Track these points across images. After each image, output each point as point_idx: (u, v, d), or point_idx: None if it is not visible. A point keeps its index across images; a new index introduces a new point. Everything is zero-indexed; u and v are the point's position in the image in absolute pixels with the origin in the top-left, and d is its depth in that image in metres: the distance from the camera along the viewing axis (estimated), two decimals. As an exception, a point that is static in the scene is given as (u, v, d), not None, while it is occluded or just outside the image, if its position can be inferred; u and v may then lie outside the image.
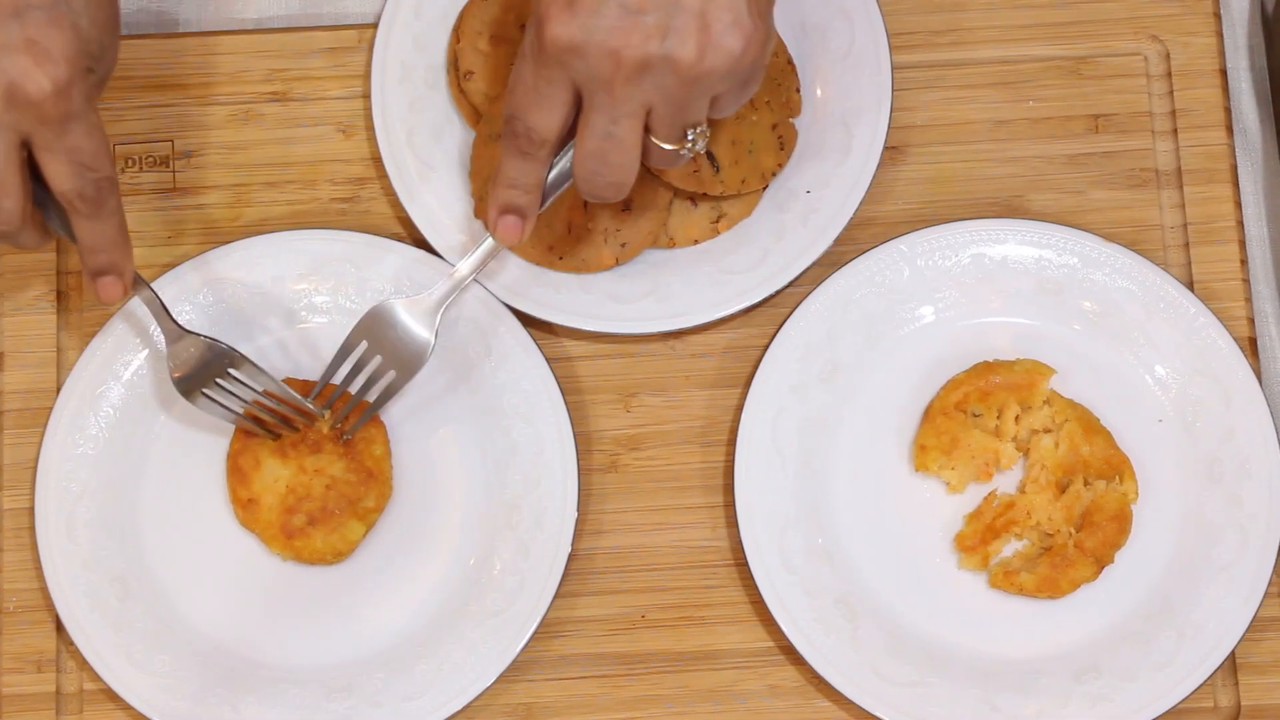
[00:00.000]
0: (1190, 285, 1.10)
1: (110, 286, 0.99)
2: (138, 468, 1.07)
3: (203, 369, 1.03)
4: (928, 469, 1.06)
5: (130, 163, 1.11)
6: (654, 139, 0.93)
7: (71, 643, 1.05)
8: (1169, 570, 1.06)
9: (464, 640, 1.04)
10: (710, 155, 1.06)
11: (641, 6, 0.88)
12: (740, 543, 1.05)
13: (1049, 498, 1.06)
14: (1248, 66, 1.15)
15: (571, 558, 1.05)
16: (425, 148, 1.09)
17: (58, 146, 0.92)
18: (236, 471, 1.05)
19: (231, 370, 1.03)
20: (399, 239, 1.09)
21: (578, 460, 1.05)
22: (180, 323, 1.04)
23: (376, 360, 1.04)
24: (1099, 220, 1.11)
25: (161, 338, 1.05)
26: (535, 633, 1.04)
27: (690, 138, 0.94)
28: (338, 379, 1.05)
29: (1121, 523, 1.05)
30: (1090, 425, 1.06)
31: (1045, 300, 1.09)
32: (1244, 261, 1.11)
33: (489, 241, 1.03)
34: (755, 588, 1.05)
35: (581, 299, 1.08)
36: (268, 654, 1.05)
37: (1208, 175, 1.11)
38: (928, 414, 1.07)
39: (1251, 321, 1.10)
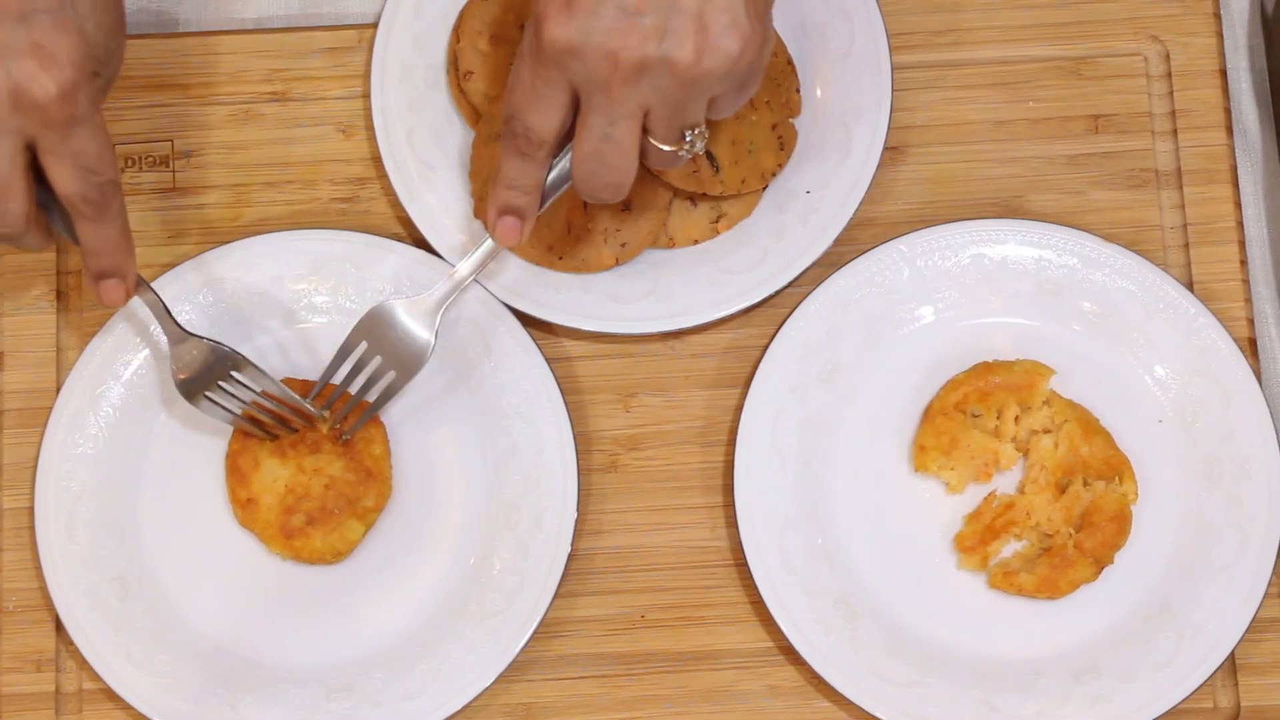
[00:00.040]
0: (1190, 286, 1.10)
1: (113, 290, 0.99)
2: (137, 467, 1.07)
3: (205, 372, 1.03)
4: (927, 469, 1.06)
5: (130, 162, 1.11)
6: (652, 140, 0.93)
7: (71, 642, 1.05)
8: (1168, 571, 1.06)
9: (463, 640, 1.04)
10: (710, 155, 1.06)
11: (639, 8, 0.88)
12: (740, 543, 1.05)
13: (1048, 498, 1.06)
14: (1248, 67, 1.15)
15: (571, 558, 1.05)
16: (425, 148, 1.09)
17: (62, 150, 0.93)
18: (236, 471, 1.05)
19: (234, 373, 1.03)
20: (399, 239, 1.09)
21: (577, 460, 1.05)
22: (181, 324, 1.04)
23: (376, 361, 1.04)
24: (1099, 221, 1.11)
25: (162, 337, 1.05)
26: (535, 633, 1.04)
27: (689, 139, 0.94)
28: (337, 379, 1.05)
29: (1121, 523, 1.05)
30: (1090, 426, 1.06)
31: (1045, 301, 1.09)
32: (1244, 262, 1.11)
33: (489, 242, 1.03)
34: (755, 588, 1.05)
35: (581, 299, 1.08)
36: (267, 654, 1.05)
37: (1207, 176, 1.11)
38: (927, 414, 1.07)
39: (1251, 322, 1.10)
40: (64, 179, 0.94)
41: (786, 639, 1.04)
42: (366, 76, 1.11)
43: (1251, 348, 1.10)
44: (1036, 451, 1.06)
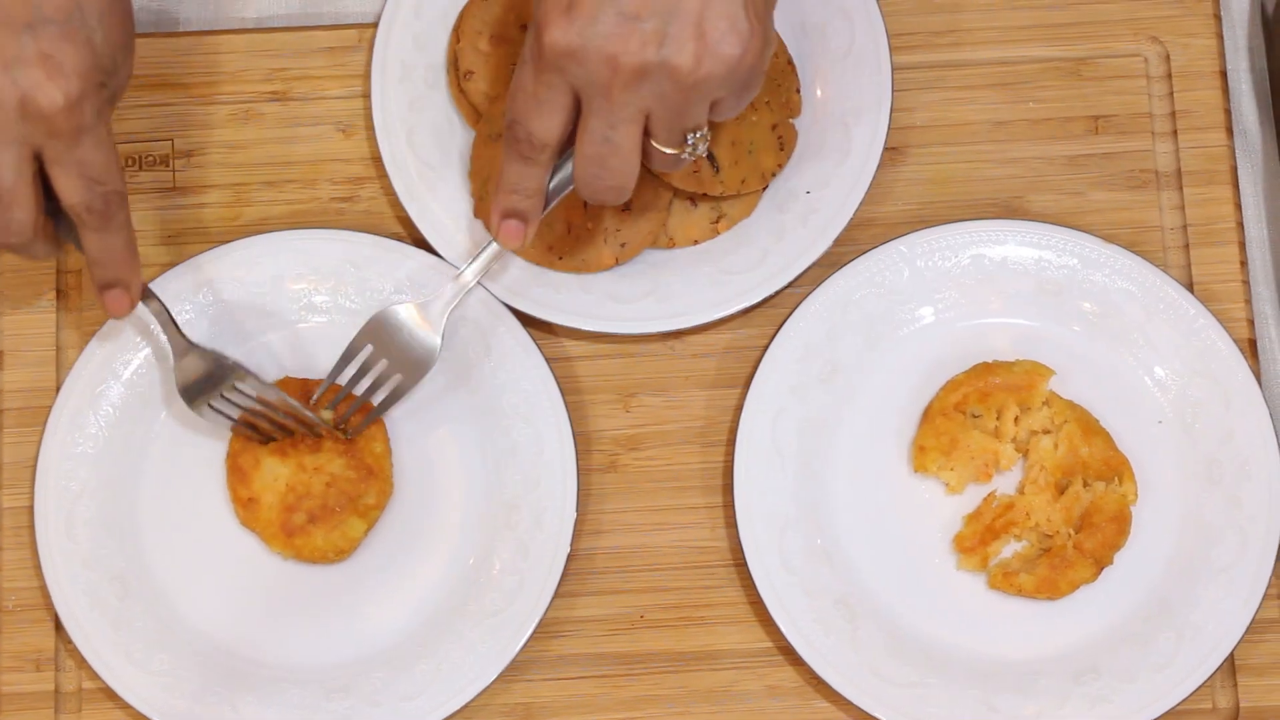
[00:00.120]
0: (1190, 287, 1.10)
1: (117, 299, 0.99)
2: (137, 466, 1.07)
3: (209, 382, 1.03)
4: (927, 470, 1.06)
5: (130, 162, 1.11)
6: (654, 143, 0.93)
7: (70, 641, 1.05)
8: (1168, 572, 1.06)
9: (463, 640, 1.04)
10: (710, 156, 1.06)
11: (639, 13, 0.88)
12: (740, 543, 1.05)
13: (1048, 499, 1.06)
14: (1248, 68, 1.15)
15: (571, 558, 1.05)
16: (425, 148, 1.09)
17: (67, 160, 0.93)
18: (236, 470, 1.06)
19: (238, 385, 1.03)
20: (399, 239, 1.09)
21: (577, 460, 1.05)
22: (181, 323, 1.04)
23: (382, 364, 1.05)
24: (1099, 221, 1.11)
25: (162, 336, 1.04)
26: (534, 632, 1.04)
27: (690, 142, 0.94)
28: (343, 381, 1.05)
29: (1120, 524, 1.05)
30: (1089, 426, 1.06)
31: (1045, 301, 1.09)
32: (1244, 263, 1.11)
33: (493, 246, 1.03)
34: (754, 588, 1.05)
35: (581, 299, 1.08)
36: (267, 653, 1.05)
37: (1208, 177, 1.11)
38: (927, 415, 1.07)
39: (1251, 323, 1.10)
40: (69, 189, 0.94)
41: (786, 639, 1.04)
42: (366, 76, 1.11)
43: (1251, 349, 1.10)
44: (1036, 452, 1.06)
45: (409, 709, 1.03)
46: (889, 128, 1.09)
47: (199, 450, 1.07)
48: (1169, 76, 1.12)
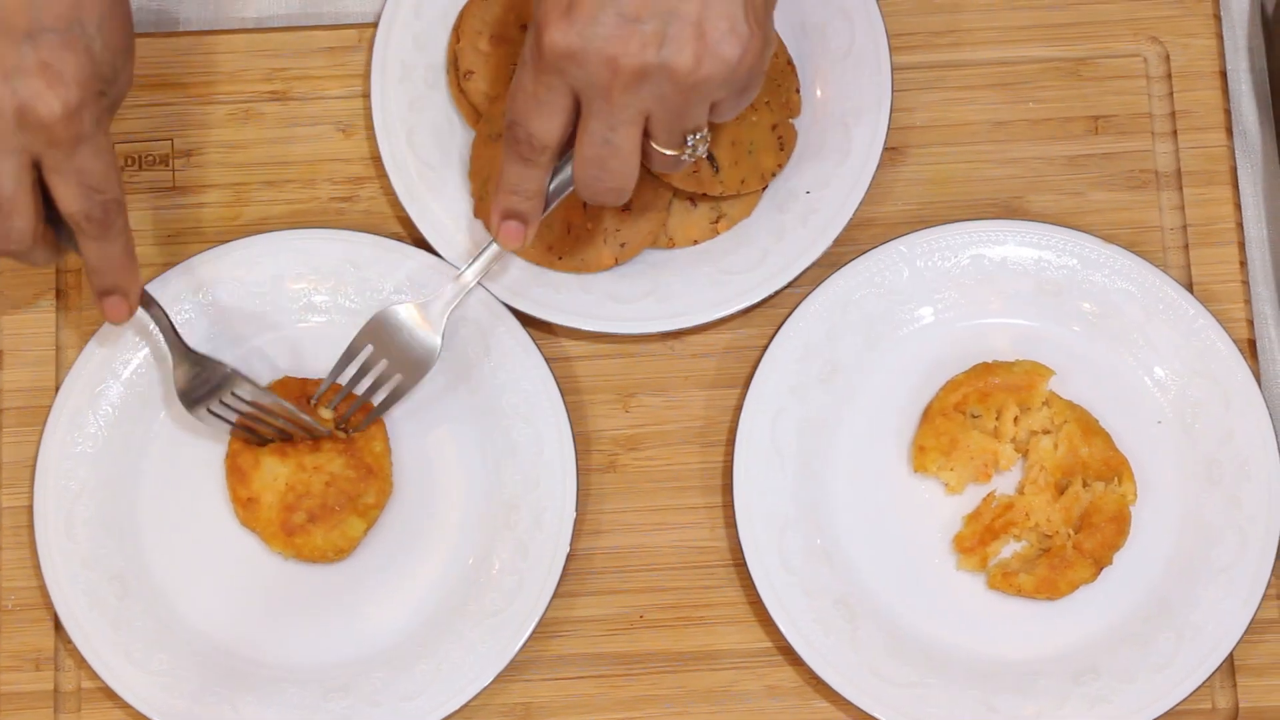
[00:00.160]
0: (1190, 287, 1.10)
1: (116, 306, 0.99)
2: (137, 466, 1.07)
3: (207, 388, 1.03)
4: (927, 470, 1.06)
5: (130, 161, 1.11)
6: (654, 145, 0.93)
7: (70, 641, 1.05)
8: (1168, 572, 1.06)
9: (462, 640, 1.04)
10: (710, 156, 1.06)
11: (639, 14, 0.88)
12: (739, 543, 1.05)
13: (1048, 499, 1.06)
14: (1248, 68, 1.15)
15: (570, 558, 1.05)
16: (425, 148, 1.09)
17: (66, 168, 0.93)
18: (236, 470, 1.05)
19: (237, 392, 1.03)
20: (399, 239, 1.09)
21: (576, 460, 1.05)
22: (180, 323, 1.04)
23: (383, 364, 1.05)
24: (1098, 221, 1.11)
25: (161, 336, 1.04)
26: (533, 632, 1.04)
27: (691, 143, 0.94)
28: (343, 381, 1.05)
29: (1120, 524, 1.05)
30: (1089, 427, 1.06)
31: (1044, 301, 1.09)
32: (1243, 263, 1.11)
33: (493, 246, 1.03)
34: (754, 588, 1.05)
35: (581, 299, 1.08)
36: (267, 653, 1.05)
37: (1207, 177, 1.11)
38: (927, 415, 1.07)
39: (1251, 323, 1.10)
40: (68, 197, 0.94)
41: (785, 639, 1.04)
42: (366, 76, 1.11)
43: (1251, 349, 1.10)
44: (1036, 452, 1.06)
45: (409, 709, 1.03)
46: (889, 128, 1.09)
47: (198, 450, 1.07)
48: (1169, 76, 1.12)
